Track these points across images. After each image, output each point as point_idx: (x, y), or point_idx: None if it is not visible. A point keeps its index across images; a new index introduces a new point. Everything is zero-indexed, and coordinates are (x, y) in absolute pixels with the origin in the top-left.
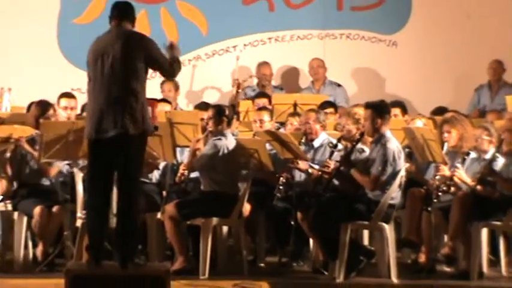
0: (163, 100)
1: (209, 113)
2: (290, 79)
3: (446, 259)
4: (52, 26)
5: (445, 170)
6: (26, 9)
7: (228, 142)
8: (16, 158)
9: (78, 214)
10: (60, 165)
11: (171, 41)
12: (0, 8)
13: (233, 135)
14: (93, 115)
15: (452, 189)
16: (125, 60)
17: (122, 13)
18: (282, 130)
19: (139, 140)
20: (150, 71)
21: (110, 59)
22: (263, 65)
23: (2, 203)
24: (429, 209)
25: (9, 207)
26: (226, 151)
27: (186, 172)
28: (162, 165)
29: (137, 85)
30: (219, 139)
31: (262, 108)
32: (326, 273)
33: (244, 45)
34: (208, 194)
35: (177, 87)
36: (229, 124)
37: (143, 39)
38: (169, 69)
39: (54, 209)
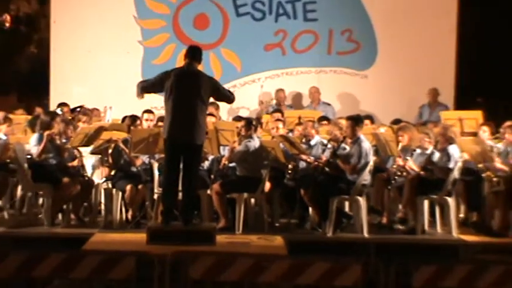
0: (210, 114)
1: (242, 123)
2: (296, 100)
3: (400, 221)
4: (138, 65)
5: (400, 161)
6: (120, 54)
7: (255, 143)
8: (115, 153)
9: (155, 190)
10: (143, 158)
11: None
12: (101, 53)
13: (258, 138)
14: (172, 125)
15: (405, 174)
16: (197, 90)
17: (194, 55)
18: (290, 134)
19: (200, 146)
20: None
21: (188, 88)
22: (279, 91)
23: (105, 183)
24: (389, 187)
25: (110, 185)
26: (253, 149)
27: (226, 162)
28: (210, 157)
29: (204, 106)
30: (249, 141)
31: (277, 120)
32: (320, 230)
33: (266, 77)
34: (241, 177)
35: (217, 107)
36: (255, 130)
37: (211, 79)
38: (231, 98)
39: (139, 187)
